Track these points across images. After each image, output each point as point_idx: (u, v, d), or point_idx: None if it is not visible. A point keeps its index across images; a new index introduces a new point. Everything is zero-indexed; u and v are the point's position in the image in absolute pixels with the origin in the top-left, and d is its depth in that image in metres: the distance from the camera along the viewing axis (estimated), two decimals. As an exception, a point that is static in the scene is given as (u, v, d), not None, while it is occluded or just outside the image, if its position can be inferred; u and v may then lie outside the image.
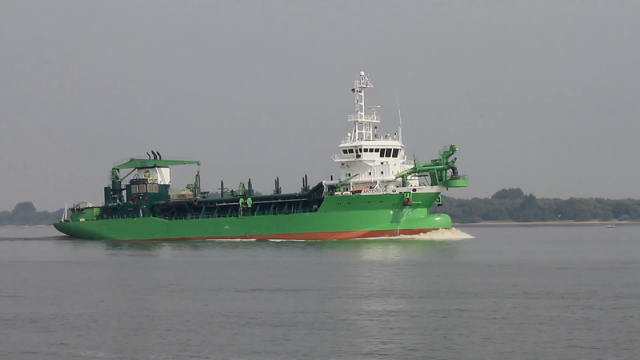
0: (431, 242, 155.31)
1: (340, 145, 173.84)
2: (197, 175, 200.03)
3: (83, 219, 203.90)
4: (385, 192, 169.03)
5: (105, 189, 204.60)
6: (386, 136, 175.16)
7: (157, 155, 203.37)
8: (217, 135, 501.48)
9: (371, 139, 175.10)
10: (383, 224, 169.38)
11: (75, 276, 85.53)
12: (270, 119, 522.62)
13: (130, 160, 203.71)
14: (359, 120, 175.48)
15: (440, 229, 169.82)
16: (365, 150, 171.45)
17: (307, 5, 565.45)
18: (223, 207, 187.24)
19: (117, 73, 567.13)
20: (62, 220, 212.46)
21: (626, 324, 45.05)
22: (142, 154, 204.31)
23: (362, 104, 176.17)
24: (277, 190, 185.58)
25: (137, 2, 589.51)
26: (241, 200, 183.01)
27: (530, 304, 53.79)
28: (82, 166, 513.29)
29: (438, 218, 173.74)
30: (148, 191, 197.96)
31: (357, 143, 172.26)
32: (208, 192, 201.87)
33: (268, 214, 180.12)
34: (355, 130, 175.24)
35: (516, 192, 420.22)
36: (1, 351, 39.95)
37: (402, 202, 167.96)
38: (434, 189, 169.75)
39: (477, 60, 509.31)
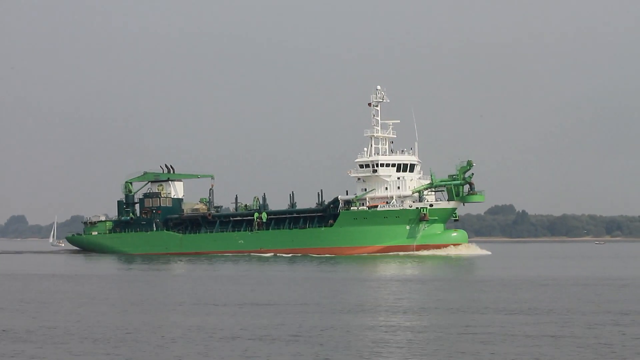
0: (448, 258, 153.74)
1: (357, 160, 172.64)
2: (210, 189, 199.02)
3: (95, 233, 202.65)
4: (401, 208, 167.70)
5: (118, 202, 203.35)
6: (402, 151, 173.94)
7: (171, 169, 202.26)
8: (231, 149, 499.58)
9: (387, 153, 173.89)
10: (399, 239, 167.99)
11: (96, 290, 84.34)
12: (285, 133, 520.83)
13: (144, 173, 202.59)
14: (375, 134, 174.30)
15: (458, 244, 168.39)
16: (382, 165, 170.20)
17: (323, 19, 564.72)
18: (237, 221, 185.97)
19: (130, 85, 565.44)
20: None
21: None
22: (155, 168, 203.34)
23: (379, 118, 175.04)
24: (292, 204, 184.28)
25: (152, 15, 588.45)
26: (256, 214, 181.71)
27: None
28: (82, 179, 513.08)
29: (455, 234, 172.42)
30: (161, 205, 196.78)
31: (373, 158, 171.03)
32: (222, 206, 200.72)
33: (283, 228, 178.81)
34: (371, 145, 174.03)
35: (508, 209, 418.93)
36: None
37: (419, 217, 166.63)
38: (451, 204, 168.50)
39: (493, 76, 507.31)
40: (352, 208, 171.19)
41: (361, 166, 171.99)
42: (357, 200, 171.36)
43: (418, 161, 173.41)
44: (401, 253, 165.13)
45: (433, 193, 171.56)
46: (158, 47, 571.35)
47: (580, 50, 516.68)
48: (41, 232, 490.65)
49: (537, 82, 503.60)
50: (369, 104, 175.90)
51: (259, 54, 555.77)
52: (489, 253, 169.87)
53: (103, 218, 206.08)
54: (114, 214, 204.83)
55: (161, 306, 66.34)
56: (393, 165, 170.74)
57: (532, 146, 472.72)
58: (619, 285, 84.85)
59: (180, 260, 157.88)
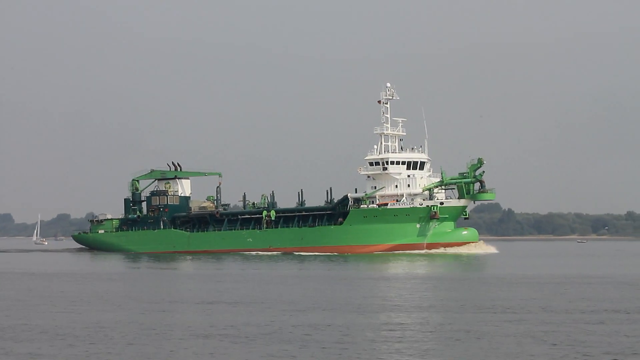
0: (458, 257, 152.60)
1: (367, 158, 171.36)
2: (218, 187, 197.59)
3: (102, 231, 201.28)
4: (411, 206, 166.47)
5: (125, 200, 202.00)
6: (412, 149, 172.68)
7: (178, 167, 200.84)
8: (238, 147, 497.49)
9: (397, 151, 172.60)
10: (410, 237, 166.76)
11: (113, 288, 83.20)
12: (292, 131, 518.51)
13: (151, 171, 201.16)
14: (385, 132, 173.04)
15: (468, 243, 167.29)
16: (392, 162, 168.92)
17: (333, 17, 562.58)
18: (246, 219, 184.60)
19: (137, 82, 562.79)
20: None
21: None
22: (161, 166, 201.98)
23: (388, 115, 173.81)
24: (301, 202, 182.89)
25: (160, 14, 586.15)
26: (264, 212, 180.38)
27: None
28: (80, 178, 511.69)
29: (465, 232, 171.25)
30: (169, 203, 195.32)
31: (383, 155, 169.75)
32: (229, 204, 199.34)
33: (292, 226, 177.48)
34: (381, 143, 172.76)
35: (494, 207, 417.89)
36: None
37: (429, 215, 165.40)
38: (461, 202, 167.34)
39: (496, 75, 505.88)
40: (361, 206, 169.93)
41: (371, 164, 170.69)
42: (367, 198, 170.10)
43: (428, 159, 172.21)
44: (413, 251, 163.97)
45: (443, 191, 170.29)
46: (167, 45, 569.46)
47: (570, 51, 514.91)
48: (27, 230, 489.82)
49: (528, 83, 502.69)
50: (379, 102, 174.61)
51: (268, 52, 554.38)
52: (497, 251, 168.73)
53: (110, 216, 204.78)
54: (113, 212, 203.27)
55: (168, 305, 65.20)
56: (403, 162, 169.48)
57: (518, 145, 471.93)
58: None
59: (189, 258, 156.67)
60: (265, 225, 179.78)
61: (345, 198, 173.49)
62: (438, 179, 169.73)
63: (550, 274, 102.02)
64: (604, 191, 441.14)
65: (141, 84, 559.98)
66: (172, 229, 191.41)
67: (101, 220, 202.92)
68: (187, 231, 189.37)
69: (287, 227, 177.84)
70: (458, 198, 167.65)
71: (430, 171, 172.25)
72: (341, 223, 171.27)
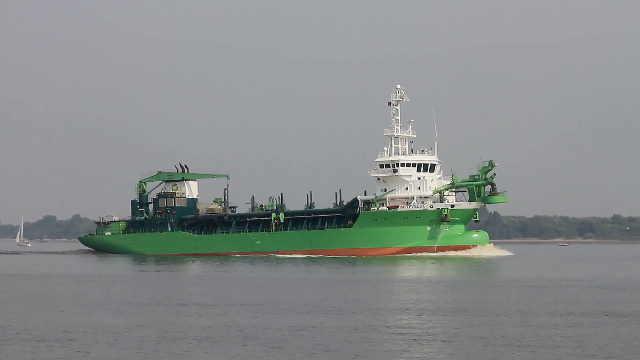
0: (469, 260, 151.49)
1: (377, 160, 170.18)
2: (225, 189, 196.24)
3: (109, 233, 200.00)
4: (422, 208, 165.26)
5: (132, 202, 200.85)
6: (423, 151, 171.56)
7: (185, 169, 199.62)
8: (245, 149, 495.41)
9: (407, 153, 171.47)
10: (420, 240, 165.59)
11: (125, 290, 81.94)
12: (300, 133, 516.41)
13: (158, 173, 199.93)
14: (395, 134, 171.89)
15: (479, 245, 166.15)
16: (402, 165, 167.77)
17: (343, 18, 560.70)
18: (254, 221, 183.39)
19: (142, 83, 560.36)
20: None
21: None
22: (167, 167, 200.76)
23: (398, 117, 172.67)
24: (310, 205, 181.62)
25: (168, 14, 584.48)
26: (273, 215, 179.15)
27: None
28: (77, 179, 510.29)
29: (476, 235, 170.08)
30: (176, 205, 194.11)
31: (394, 158, 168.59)
32: (236, 207, 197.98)
33: (301, 229, 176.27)
34: (391, 145, 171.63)
35: (480, 210, 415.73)
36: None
37: (440, 218, 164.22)
38: (472, 205, 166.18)
39: (511, 75, 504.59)
40: (371, 208, 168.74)
41: (381, 166, 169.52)
42: (377, 200, 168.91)
43: (438, 161, 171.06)
44: (422, 254, 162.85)
45: (453, 193, 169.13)
46: (175, 46, 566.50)
47: (561, 54, 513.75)
48: (13, 232, 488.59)
49: (526, 85, 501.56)
50: (389, 103, 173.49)
51: (277, 54, 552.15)
52: (512, 254, 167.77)
53: (116, 218, 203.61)
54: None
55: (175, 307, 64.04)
56: (414, 165, 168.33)
57: (504, 148, 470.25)
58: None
59: (193, 261, 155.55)
60: (274, 227, 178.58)
61: (355, 200, 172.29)
62: (448, 182, 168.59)
63: (588, 277, 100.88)
64: (590, 194, 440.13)
65: (147, 85, 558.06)
66: (180, 231, 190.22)
67: (108, 222, 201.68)
68: (195, 233, 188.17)
69: (296, 229, 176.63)
70: (469, 201, 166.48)
71: (440, 173, 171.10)
72: (351, 225, 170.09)
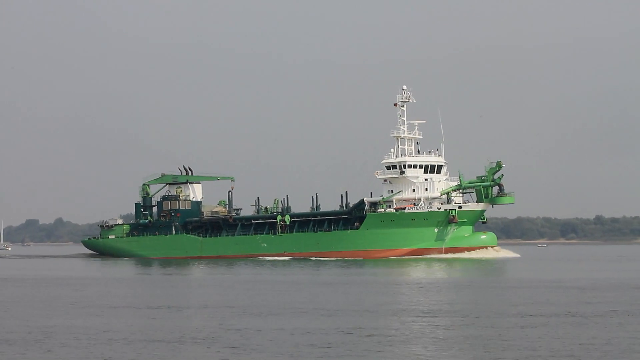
0: (478, 261, 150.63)
1: (384, 161, 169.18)
2: (229, 191, 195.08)
3: (112, 236, 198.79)
4: (430, 210, 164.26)
5: (136, 205, 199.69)
6: (430, 152, 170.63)
7: (189, 171, 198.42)
8: (249, 151, 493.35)
9: (413, 154, 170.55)
10: (428, 242, 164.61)
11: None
12: (305, 135, 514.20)
13: (162, 175, 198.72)
14: (401, 135, 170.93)
15: (487, 247, 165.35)
16: (409, 166, 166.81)
17: (347, 21, 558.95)
18: (259, 224, 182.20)
19: (146, 86, 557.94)
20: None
21: None
22: (171, 170, 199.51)
23: (405, 118, 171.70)
24: (316, 207, 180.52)
25: (171, 15, 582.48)
26: (279, 217, 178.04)
27: None
28: (72, 181, 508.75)
29: (484, 236, 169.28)
30: (180, 208, 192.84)
31: (401, 159, 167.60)
32: (241, 209, 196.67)
33: (307, 231, 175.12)
34: (397, 146, 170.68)
35: None
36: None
37: (448, 219, 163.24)
38: (480, 206, 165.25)
39: (521, 75, 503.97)
40: (378, 210, 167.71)
41: (388, 167, 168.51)
42: (384, 202, 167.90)
43: (445, 162, 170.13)
44: (433, 256, 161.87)
45: (460, 195, 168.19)
46: (179, 48, 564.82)
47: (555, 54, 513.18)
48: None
49: (517, 86, 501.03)
50: (395, 104, 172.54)
51: (282, 57, 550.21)
52: (518, 256, 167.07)
53: (120, 221, 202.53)
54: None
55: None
56: (421, 166, 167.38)
57: (503, 148, 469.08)
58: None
59: (197, 264, 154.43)
60: (279, 230, 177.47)
61: (362, 202, 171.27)
62: (455, 183, 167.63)
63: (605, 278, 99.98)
64: (573, 196, 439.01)
65: (150, 88, 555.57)
66: (185, 234, 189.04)
67: (111, 226, 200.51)
68: (200, 236, 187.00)
69: (302, 231, 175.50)
70: (476, 202, 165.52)
71: (447, 175, 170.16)
72: (357, 227, 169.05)
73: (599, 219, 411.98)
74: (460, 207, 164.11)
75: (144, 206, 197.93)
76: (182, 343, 46.08)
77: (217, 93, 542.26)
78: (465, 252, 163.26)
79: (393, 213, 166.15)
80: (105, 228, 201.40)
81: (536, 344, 44.10)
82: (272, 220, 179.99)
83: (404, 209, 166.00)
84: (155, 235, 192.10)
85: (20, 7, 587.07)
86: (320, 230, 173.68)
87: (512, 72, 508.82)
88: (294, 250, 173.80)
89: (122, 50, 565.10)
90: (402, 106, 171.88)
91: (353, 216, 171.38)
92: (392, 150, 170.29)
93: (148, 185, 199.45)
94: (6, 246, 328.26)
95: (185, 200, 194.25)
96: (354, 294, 77.50)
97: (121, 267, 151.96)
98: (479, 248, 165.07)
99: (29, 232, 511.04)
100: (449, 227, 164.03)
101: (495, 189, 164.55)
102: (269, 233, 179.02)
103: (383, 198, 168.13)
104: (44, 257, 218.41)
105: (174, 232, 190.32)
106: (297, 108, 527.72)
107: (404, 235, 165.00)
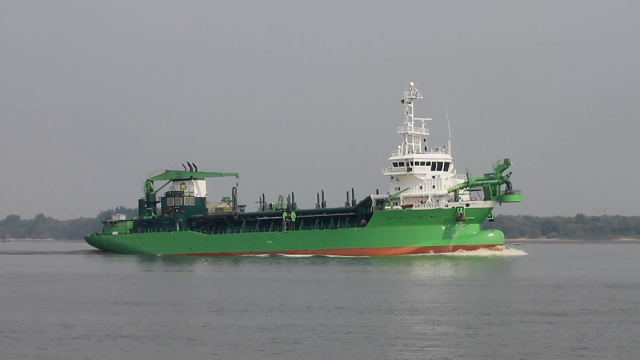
0: (485, 259, 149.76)
1: (391, 158, 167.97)
2: (234, 187, 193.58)
3: (116, 232, 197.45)
4: (437, 207, 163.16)
5: (140, 201, 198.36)
6: (437, 149, 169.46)
7: (193, 167, 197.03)
8: (254, 148, 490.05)
9: (420, 151, 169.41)
10: (435, 239, 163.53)
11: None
12: (309, 131, 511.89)
13: (165, 171, 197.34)
14: (408, 132, 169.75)
15: (495, 245, 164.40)
16: (417, 163, 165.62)
17: (355, 15, 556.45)
18: (265, 221, 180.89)
19: (150, 82, 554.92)
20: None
21: None
22: (175, 166, 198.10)
23: (412, 115, 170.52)
24: (322, 204, 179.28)
25: (174, 13, 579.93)
26: (284, 214, 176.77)
27: None
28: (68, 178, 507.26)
29: (491, 234, 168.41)
30: (184, 204, 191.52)
31: (408, 156, 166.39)
32: (245, 206, 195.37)
33: (313, 228, 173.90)
34: (404, 143, 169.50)
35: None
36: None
37: (455, 217, 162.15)
38: (488, 204, 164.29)
39: (526, 73, 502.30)
40: (385, 207, 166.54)
41: (395, 164, 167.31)
42: (391, 199, 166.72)
43: (452, 160, 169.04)
44: (437, 254, 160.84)
45: (468, 192, 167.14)
46: (182, 44, 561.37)
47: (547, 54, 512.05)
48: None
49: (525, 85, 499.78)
50: (402, 101, 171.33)
51: (288, 53, 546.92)
52: (525, 254, 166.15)
53: (123, 217, 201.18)
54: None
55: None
56: (428, 163, 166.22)
57: (500, 146, 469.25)
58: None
59: (205, 261, 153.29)
60: (285, 227, 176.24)
61: (368, 199, 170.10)
62: (462, 180, 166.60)
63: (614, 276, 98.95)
64: (554, 194, 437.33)
65: (152, 84, 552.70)
66: (189, 230, 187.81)
67: (115, 222, 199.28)
68: (205, 233, 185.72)
69: (308, 229, 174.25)
70: (484, 199, 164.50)
71: (454, 172, 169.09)
72: (364, 225, 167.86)
73: (580, 218, 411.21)
74: (468, 205, 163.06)
75: (147, 202, 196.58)
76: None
77: (221, 89, 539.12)
78: (473, 250, 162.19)
79: (400, 210, 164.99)
80: (109, 224, 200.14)
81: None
82: (277, 217, 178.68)
83: (411, 206, 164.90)
84: (159, 231, 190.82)
85: (21, 5, 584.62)
86: (326, 228, 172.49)
87: (519, 71, 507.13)
88: (299, 247, 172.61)
89: (125, 47, 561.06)
90: (409, 103, 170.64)
91: (359, 213, 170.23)
92: (399, 147, 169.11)
93: (152, 181, 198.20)
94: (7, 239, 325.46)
95: (189, 196, 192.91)
96: (380, 292, 76.48)
97: (124, 263, 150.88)
98: (487, 246, 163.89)
99: (10, 228, 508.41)
100: (456, 225, 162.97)
101: (503, 187, 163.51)
102: (274, 230, 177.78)
103: (390, 195, 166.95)
104: (45, 253, 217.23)
105: (178, 229, 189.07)
106: (302, 105, 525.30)
107: (411, 233, 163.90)
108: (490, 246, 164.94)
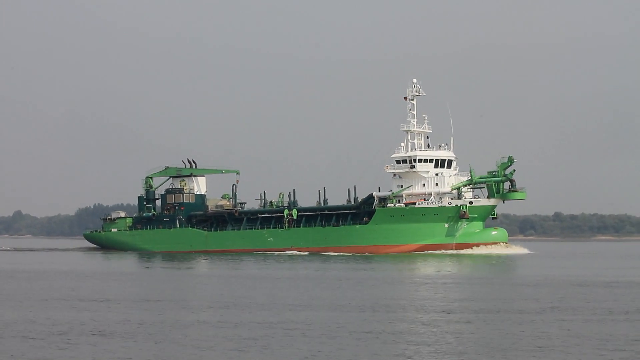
0: (488, 257, 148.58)
1: (394, 156, 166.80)
2: (234, 185, 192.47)
3: (115, 229, 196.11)
4: (440, 205, 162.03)
5: (139, 198, 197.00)
6: (440, 146, 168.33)
7: (193, 164, 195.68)
8: (254, 145, 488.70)
9: (423, 149, 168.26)
10: (438, 237, 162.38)
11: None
12: (310, 129, 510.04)
13: (165, 168, 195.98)
14: (411, 129, 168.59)
15: (499, 243, 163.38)
16: (420, 160, 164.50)
17: (357, 13, 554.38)
18: (266, 218, 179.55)
19: (151, 79, 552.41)
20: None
21: None
22: (177, 162, 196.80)
23: (415, 112, 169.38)
24: (323, 201, 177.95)
25: (176, 11, 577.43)
26: (286, 211, 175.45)
27: None
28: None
29: (495, 232, 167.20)
30: (184, 201, 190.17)
31: (411, 153, 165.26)
32: (245, 203, 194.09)
33: (314, 226, 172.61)
34: (407, 140, 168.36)
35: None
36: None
37: (459, 215, 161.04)
38: (491, 201, 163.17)
39: (529, 70, 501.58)
40: (388, 205, 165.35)
41: (398, 162, 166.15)
42: (394, 197, 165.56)
43: (455, 157, 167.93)
44: (440, 251, 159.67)
45: (471, 190, 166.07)
46: (183, 41, 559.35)
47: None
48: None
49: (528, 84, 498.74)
50: (405, 98, 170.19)
51: (289, 50, 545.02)
52: (531, 252, 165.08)
53: (123, 214, 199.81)
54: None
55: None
56: (431, 161, 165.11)
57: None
58: None
59: (205, 258, 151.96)
60: (287, 224, 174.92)
61: (370, 197, 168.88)
62: (465, 178, 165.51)
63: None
64: (531, 193, 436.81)
65: (153, 82, 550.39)
66: (189, 227, 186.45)
67: (114, 219, 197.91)
68: (205, 230, 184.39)
69: (310, 226, 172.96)
70: (487, 197, 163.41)
71: (456, 169, 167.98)
72: (367, 222, 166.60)
73: (557, 216, 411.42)
74: (471, 203, 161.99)
75: (147, 199, 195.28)
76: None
77: (222, 86, 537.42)
78: (476, 247, 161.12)
79: (403, 208, 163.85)
80: (108, 221, 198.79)
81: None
82: (278, 215, 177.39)
83: (414, 204, 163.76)
84: (159, 228, 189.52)
85: (21, 5, 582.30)
86: (328, 225, 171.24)
87: (522, 70, 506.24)
88: (301, 245, 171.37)
89: (127, 45, 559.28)
90: (412, 100, 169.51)
91: (362, 211, 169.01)
92: (402, 144, 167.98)
93: (151, 178, 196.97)
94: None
95: (189, 193, 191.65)
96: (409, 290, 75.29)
97: (125, 260, 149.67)
98: (490, 244, 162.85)
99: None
100: (459, 223, 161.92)
101: (507, 185, 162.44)
102: (275, 227, 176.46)
103: (393, 193, 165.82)
104: (42, 250, 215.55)
105: (178, 226, 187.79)
106: (304, 102, 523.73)
107: (414, 231, 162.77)
108: (493, 244, 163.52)
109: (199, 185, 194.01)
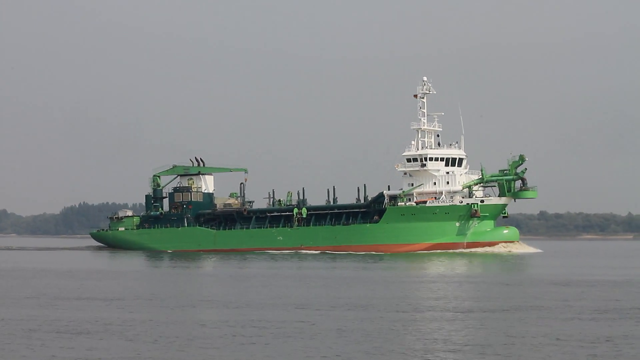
0: (500, 256, 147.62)
1: (404, 154, 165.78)
2: (242, 183, 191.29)
3: (122, 228, 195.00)
4: (451, 203, 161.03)
5: (146, 196, 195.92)
6: (450, 145, 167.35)
7: (201, 162, 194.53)
8: (263, 143, 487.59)
9: (433, 147, 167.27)
10: (449, 236, 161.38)
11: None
12: (319, 128, 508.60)
13: (173, 166, 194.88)
14: (422, 127, 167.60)
15: (509, 242, 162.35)
16: (431, 159, 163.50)
17: (367, 12, 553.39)
18: (275, 217, 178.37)
19: (160, 78, 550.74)
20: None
21: None
22: (185, 161, 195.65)
23: (425, 110, 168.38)
24: (333, 200, 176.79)
25: (178, 10, 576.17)
26: (295, 210, 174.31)
27: None
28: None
29: (506, 231, 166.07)
30: (192, 200, 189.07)
31: (422, 151, 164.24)
32: (253, 201, 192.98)
33: (324, 225, 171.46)
34: (417, 138, 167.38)
35: None
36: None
37: (470, 214, 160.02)
38: (502, 200, 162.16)
39: (537, 66, 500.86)
40: (398, 204, 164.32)
41: (409, 160, 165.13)
42: (405, 195, 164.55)
43: (465, 155, 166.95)
44: (451, 250, 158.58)
45: (482, 188, 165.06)
46: (193, 40, 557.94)
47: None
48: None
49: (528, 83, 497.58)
50: (415, 96, 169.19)
51: (298, 48, 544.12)
52: (540, 251, 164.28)
53: (130, 213, 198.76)
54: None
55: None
56: (442, 159, 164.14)
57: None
58: None
59: (211, 258, 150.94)
60: (296, 223, 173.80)
61: (381, 195, 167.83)
62: (476, 176, 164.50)
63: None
64: None
65: (161, 81, 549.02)
66: (197, 226, 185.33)
67: (121, 218, 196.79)
68: (213, 229, 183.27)
69: (320, 225, 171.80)
70: (498, 196, 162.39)
71: (467, 168, 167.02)
72: (377, 221, 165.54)
73: (542, 215, 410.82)
74: (482, 201, 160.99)
75: (154, 198, 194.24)
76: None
77: (231, 85, 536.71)
78: (487, 247, 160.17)
79: (414, 207, 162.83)
80: (115, 220, 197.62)
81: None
82: (287, 213, 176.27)
83: (425, 202, 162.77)
84: (167, 227, 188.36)
85: (22, 4, 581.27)
86: (338, 224, 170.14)
87: (529, 69, 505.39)
88: (311, 244, 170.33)
89: (133, 43, 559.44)
90: (423, 98, 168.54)
91: (372, 209, 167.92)
92: (412, 142, 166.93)
93: (159, 176, 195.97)
94: None
95: (197, 192, 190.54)
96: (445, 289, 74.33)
97: (131, 259, 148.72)
98: (501, 243, 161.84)
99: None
100: (470, 222, 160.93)
101: (518, 183, 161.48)
102: (285, 226, 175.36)
103: (403, 191, 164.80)
104: (49, 249, 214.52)
105: (185, 225, 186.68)
106: (314, 100, 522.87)
107: (425, 230, 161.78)
108: (504, 243, 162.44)
109: (207, 184, 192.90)
